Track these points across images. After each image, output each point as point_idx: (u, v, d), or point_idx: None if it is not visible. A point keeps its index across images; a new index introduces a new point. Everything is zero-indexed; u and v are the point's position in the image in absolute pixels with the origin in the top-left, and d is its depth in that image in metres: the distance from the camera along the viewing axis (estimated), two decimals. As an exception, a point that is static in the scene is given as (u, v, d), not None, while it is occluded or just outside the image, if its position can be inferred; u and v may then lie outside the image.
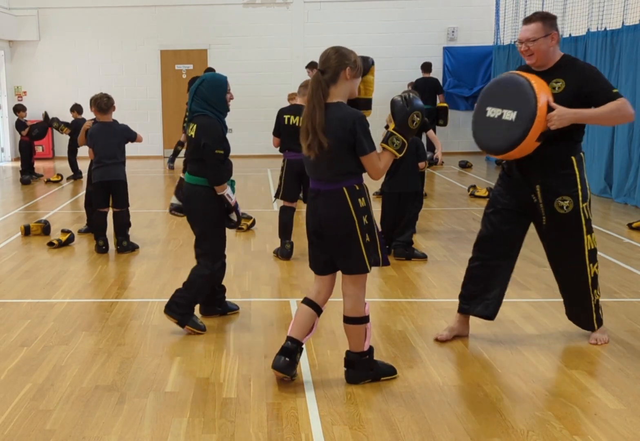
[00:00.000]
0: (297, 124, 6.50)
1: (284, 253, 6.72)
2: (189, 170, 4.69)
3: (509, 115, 4.03)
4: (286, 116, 6.69)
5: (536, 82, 4.01)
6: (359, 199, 3.66)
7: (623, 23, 9.75)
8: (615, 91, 4.05)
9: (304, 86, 6.66)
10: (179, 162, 14.22)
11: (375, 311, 5.19)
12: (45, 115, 12.59)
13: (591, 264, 4.26)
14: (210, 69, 13.57)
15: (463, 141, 15.73)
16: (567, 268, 4.34)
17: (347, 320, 3.82)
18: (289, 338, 3.85)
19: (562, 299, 4.51)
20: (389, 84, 15.30)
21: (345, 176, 3.66)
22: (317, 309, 3.88)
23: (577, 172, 4.17)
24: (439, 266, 6.45)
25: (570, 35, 11.51)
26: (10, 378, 4.06)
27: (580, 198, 4.17)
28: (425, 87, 13.44)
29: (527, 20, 4.17)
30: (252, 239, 7.67)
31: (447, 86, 15.42)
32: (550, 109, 3.93)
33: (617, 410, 3.58)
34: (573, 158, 4.17)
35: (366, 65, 3.82)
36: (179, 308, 4.66)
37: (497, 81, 4.28)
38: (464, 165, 13.59)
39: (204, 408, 3.65)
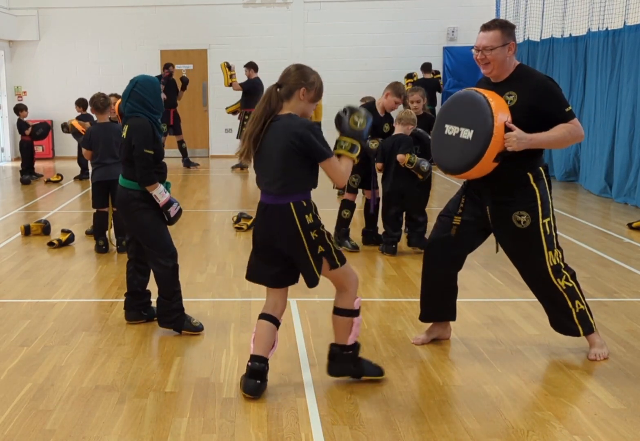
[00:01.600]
0: None
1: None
2: (122, 173, 4.71)
3: (466, 134, 3.92)
4: None
5: (494, 100, 3.88)
6: (306, 216, 3.62)
7: (625, 23, 9.72)
8: (568, 109, 3.92)
9: (391, 86, 6.89)
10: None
11: (375, 311, 5.19)
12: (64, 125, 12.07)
13: (558, 279, 4.08)
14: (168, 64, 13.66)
15: (463, 141, 15.71)
16: (533, 283, 4.22)
17: (335, 311, 3.83)
18: (255, 358, 3.77)
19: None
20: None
21: (293, 189, 3.62)
22: (276, 322, 3.83)
23: (535, 188, 4.02)
24: (439, 266, 6.44)
25: (570, 35, 11.51)
26: (10, 378, 4.06)
27: (540, 214, 4.02)
28: (425, 87, 13.43)
29: (486, 28, 4.01)
30: (252, 239, 7.66)
31: (447, 85, 15.40)
32: (508, 129, 3.82)
33: (617, 410, 3.58)
34: (529, 174, 4.01)
35: None
36: (168, 317, 4.70)
37: (455, 97, 4.16)
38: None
39: (204, 408, 3.65)
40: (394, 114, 7.18)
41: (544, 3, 12.58)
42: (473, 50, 4.09)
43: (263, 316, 3.83)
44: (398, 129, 6.88)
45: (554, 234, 4.10)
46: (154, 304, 4.93)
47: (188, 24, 15.69)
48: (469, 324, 4.78)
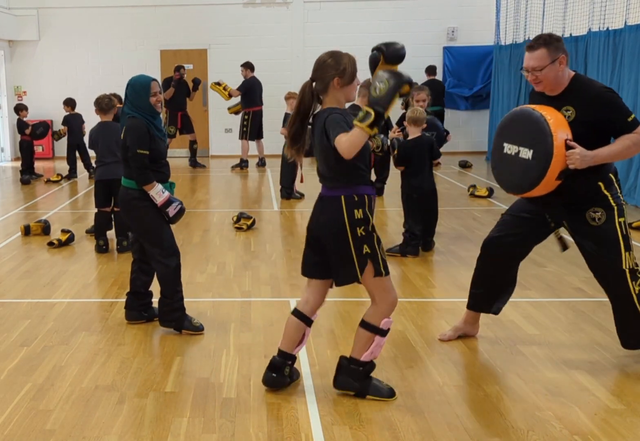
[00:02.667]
0: None
1: None
2: (124, 173, 4.73)
3: (526, 153, 3.83)
4: None
5: (552, 118, 3.78)
6: (355, 210, 3.52)
7: (625, 22, 9.73)
8: (630, 119, 3.81)
9: (364, 86, 6.77)
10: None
11: (375, 311, 5.19)
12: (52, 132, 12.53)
13: (633, 282, 3.94)
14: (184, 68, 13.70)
15: (463, 140, 15.70)
16: (608, 285, 4.06)
17: (361, 323, 3.68)
18: (278, 352, 3.80)
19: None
20: (389, 84, 15.29)
21: (343, 183, 3.56)
22: (306, 320, 3.77)
23: (607, 194, 3.95)
24: (439, 266, 6.45)
25: (571, 35, 11.50)
26: (10, 378, 4.06)
27: (616, 212, 3.94)
28: (431, 89, 13.35)
29: (530, 48, 3.90)
30: (252, 239, 7.67)
31: (447, 85, 15.40)
32: (568, 147, 3.72)
33: (617, 410, 3.58)
34: (600, 184, 3.95)
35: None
36: (169, 316, 4.71)
37: (512, 115, 4.05)
38: (464, 165, 13.59)
39: (204, 408, 3.65)
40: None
41: (544, 3, 12.57)
42: (523, 72, 3.96)
43: (293, 311, 3.83)
44: (414, 132, 6.77)
45: (629, 236, 3.99)
46: (154, 304, 4.93)
47: (188, 24, 15.69)
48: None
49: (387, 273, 3.63)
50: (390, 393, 3.73)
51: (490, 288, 4.40)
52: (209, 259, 6.77)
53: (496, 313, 4.51)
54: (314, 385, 3.89)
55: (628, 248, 3.96)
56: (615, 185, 4.02)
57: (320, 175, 3.67)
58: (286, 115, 10.14)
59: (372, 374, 3.76)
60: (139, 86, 4.63)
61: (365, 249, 3.54)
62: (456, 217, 8.63)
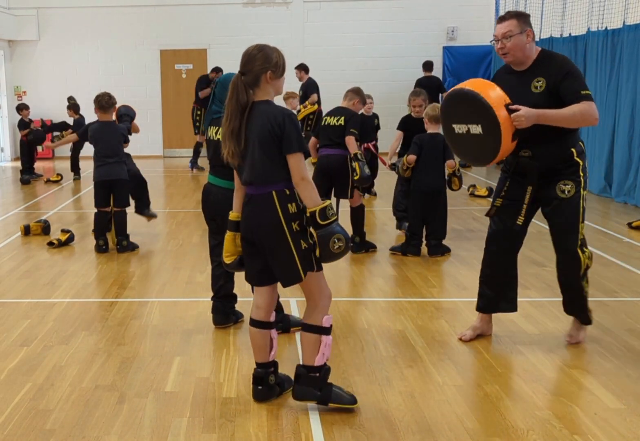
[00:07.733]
0: (330, 123, 6.80)
1: None
2: (217, 174, 4.54)
3: (475, 129, 4.02)
4: (325, 117, 6.91)
5: (482, 90, 3.96)
6: (289, 205, 3.38)
7: (624, 22, 9.74)
8: (584, 92, 3.96)
9: (353, 91, 6.95)
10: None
11: (375, 311, 5.19)
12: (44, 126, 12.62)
13: (583, 254, 4.20)
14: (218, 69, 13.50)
15: (463, 140, 15.71)
16: (563, 259, 4.27)
17: (303, 327, 3.54)
18: (256, 364, 3.70)
19: (561, 299, 4.48)
20: (388, 84, 15.34)
21: (275, 178, 3.39)
22: (266, 325, 3.64)
23: (579, 162, 4.14)
24: (438, 266, 6.45)
25: (570, 34, 11.51)
26: (10, 378, 4.06)
27: (582, 185, 4.14)
28: (427, 87, 13.23)
29: (502, 18, 4.14)
30: (252, 239, 7.66)
31: (447, 85, 15.39)
32: (511, 110, 3.87)
33: (617, 410, 3.58)
34: (573, 150, 4.13)
35: None
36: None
37: (447, 98, 4.23)
38: (464, 165, 13.57)
39: (204, 408, 3.65)
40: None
41: (543, 2, 12.58)
42: (492, 42, 4.17)
43: (250, 321, 3.68)
44: (433, 128, 6.77)
45: (585, 207, 4.21)
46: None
47: (188, 24, 15.70)
48: (469, 324, 4.78)
49: (320, 268, 3.50)
50: (352, 400, 3.58)
51: (500, 286, 4.45)
52: (209, 259, 6.74)
53: (515, 310, 4.57)
54: (314, 384, 3.89)
55: (583, 219, 4.21)
56: (585, 155, 4.21)
57: (249, 172, 3.44)
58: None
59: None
60: (228, 84, 4.51)
61: (303, 244, 3.40)
62: (456, 218, 8.64)
